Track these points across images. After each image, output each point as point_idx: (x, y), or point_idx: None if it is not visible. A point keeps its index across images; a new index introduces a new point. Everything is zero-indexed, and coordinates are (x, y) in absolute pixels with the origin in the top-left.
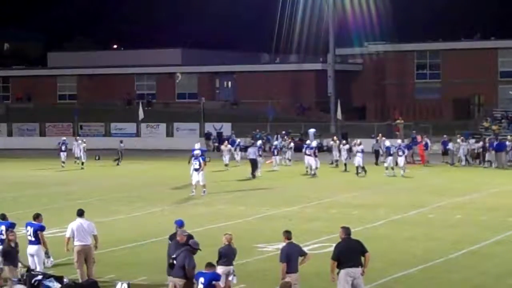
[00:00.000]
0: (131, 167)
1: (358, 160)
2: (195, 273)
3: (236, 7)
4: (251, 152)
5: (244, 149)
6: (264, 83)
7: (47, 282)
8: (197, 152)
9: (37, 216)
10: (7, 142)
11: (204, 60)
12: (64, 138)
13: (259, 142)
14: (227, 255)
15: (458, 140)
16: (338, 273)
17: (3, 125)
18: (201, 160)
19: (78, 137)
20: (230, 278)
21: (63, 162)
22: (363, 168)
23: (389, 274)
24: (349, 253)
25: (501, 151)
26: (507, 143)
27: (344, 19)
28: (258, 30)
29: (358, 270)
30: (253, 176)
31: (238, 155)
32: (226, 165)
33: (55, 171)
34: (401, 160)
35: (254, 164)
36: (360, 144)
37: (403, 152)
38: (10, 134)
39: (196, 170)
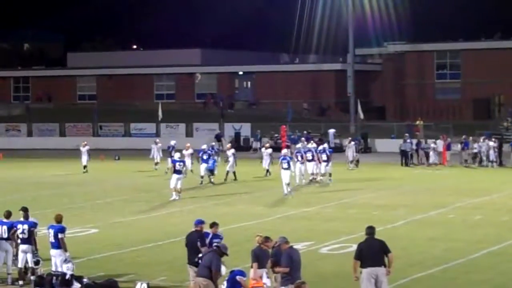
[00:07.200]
0: (151, 167)
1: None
2: (220, 276)
3: (255, 7)
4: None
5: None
6: (284, 84)
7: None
8: (178, 155)
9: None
10: (27, 142)
11: (223, 60)
12: (174, 141)
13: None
14: (259, 256)
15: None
16: (361, 273)
17: (23, 125)
18: (183, 164)
19: (157, 139)
20: (263, 281)
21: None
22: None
23: (409, 275)
24: (371, 252)
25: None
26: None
27: (363, 19)
28: (278, 30)
29: (381, 269)
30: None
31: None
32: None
33: (75, 173)
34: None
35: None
36: (268, 147)
37: (327, 156)
38: (30, 134)
39: (179, 173)
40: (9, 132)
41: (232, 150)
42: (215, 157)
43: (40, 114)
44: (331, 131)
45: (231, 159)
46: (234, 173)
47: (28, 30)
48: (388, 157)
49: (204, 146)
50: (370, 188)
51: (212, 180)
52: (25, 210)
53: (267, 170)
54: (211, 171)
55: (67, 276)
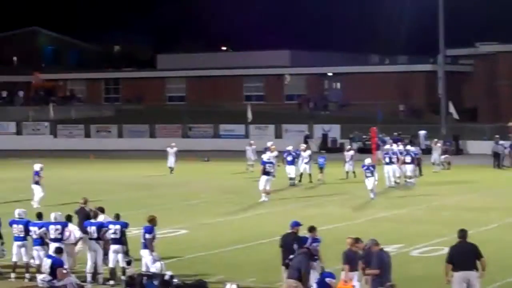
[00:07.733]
0: (241, 169)
1: (304, 167)
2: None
3: (344, 8)
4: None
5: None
6: (373, 85)
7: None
8: (266, 156)
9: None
10: (118, 143)
11: (312, 61)
12: (270, 143)
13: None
14: (350, 259)
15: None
16: (452, 276)
17: (114, 126)
18: (272, 165)
19: (252, 141)
20: (353, 283)
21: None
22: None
23: (502, 278)
24: (463, 256)
25: None
26: None
27: (454, 19)
28: (367, 30)
29: (473, 273)
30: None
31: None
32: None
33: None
34: (409, 168)
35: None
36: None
37: (412, 158)
38: (120, 135)
39: (268, 174)
40: (100, 133)
41: (308, 152)
42: (325, 155)
43: (130, 115)
44: (422, 132)
45: (306, 160)
46: (302, 175)
47: (119, 33)
48: (480, 159)
49: (290, 148)
50: (461, 191)
51: (311, 179)
52: (101, 210)
53: (353, 172)
54: (321, 169)
55: (167, 277)
